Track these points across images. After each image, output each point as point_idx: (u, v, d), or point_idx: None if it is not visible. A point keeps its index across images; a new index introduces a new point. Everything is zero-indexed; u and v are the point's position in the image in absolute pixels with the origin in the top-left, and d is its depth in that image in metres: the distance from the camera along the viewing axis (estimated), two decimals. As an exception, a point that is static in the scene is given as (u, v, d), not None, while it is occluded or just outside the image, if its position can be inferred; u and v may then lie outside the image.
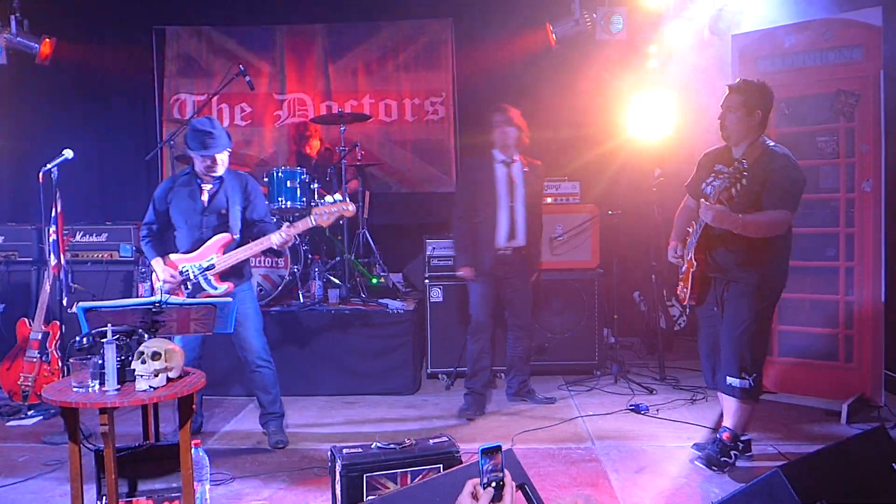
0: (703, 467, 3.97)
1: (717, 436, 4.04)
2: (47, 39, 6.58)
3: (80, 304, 3.27)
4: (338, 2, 7.28)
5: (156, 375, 3.00)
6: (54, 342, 5.11)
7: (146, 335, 3.18)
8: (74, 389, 3.00)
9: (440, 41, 7.33)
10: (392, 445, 3.37)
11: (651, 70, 6.17)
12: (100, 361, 3.00)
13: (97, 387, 3.00)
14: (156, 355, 3.01)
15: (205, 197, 4.45)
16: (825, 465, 2.54)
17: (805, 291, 5.15)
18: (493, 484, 1.82)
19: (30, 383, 4.99)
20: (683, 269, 4.06)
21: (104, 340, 2.99)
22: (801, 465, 2.51)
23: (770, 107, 3.93)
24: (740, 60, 5.32)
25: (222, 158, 4.40)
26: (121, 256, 6.16)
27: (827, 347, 5.13)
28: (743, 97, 3.88)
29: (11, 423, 5.01)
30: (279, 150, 7.42)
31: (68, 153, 4.70)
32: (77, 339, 3.12)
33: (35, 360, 5.01)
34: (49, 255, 4.91)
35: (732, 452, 3.96)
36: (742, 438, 4.09)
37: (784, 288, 4.02)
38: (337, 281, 6.05)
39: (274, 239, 4.30)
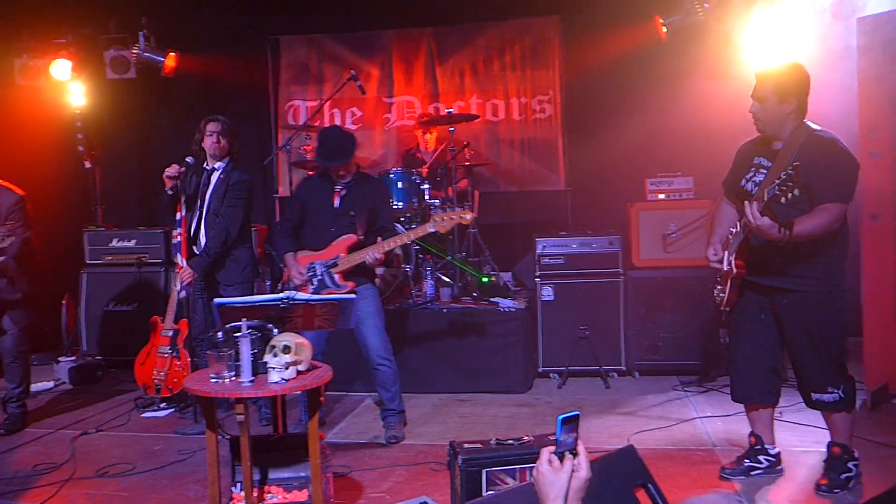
0: (830, 495, 3.58)
1: (828, 454, 3.71)
2: (172, 53, 6.95)
3: (214, 300, 3.45)
4: (444, 4, 7.35)
5: (286, 368, 3.13)
6: (184, 339, 5.39)
7: (275, 330, 3.31)
8: (212, 380, 3.17)
9: (546, 39, 7.29)
10: (510, 441, 3.38)
11: (767, 60, 5.93)
12: (234, 354, 3.16)
13: (233, 378, 3.16)
14: (286, 349, 3.13)
15: (336, 199, 4.63)
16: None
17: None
18: (570, 452, 1.84)
19: (162, 377, 5.28)
20: (723, 272, 3.73)
21: (238, 335, 3.14)
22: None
23: (806, 91, 3.57)
24: (866, 45, 5.04)
25: (346, 167, 4.57)
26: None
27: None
28: (772, 84, 3.54)
29: (146, 414, 5.35)
30: (388, 151, 7.57)
31: (190, 160, 5.02)
32: (214, 332, 3.28)
33: (167, 355, 5.30)
34: (175, 256, 5.18)
35: (850, 464, 3.64)
36: (771, 452, 3.87)
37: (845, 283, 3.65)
38: (448, 280, 6.11)
39: (367, 257, 4.45)
